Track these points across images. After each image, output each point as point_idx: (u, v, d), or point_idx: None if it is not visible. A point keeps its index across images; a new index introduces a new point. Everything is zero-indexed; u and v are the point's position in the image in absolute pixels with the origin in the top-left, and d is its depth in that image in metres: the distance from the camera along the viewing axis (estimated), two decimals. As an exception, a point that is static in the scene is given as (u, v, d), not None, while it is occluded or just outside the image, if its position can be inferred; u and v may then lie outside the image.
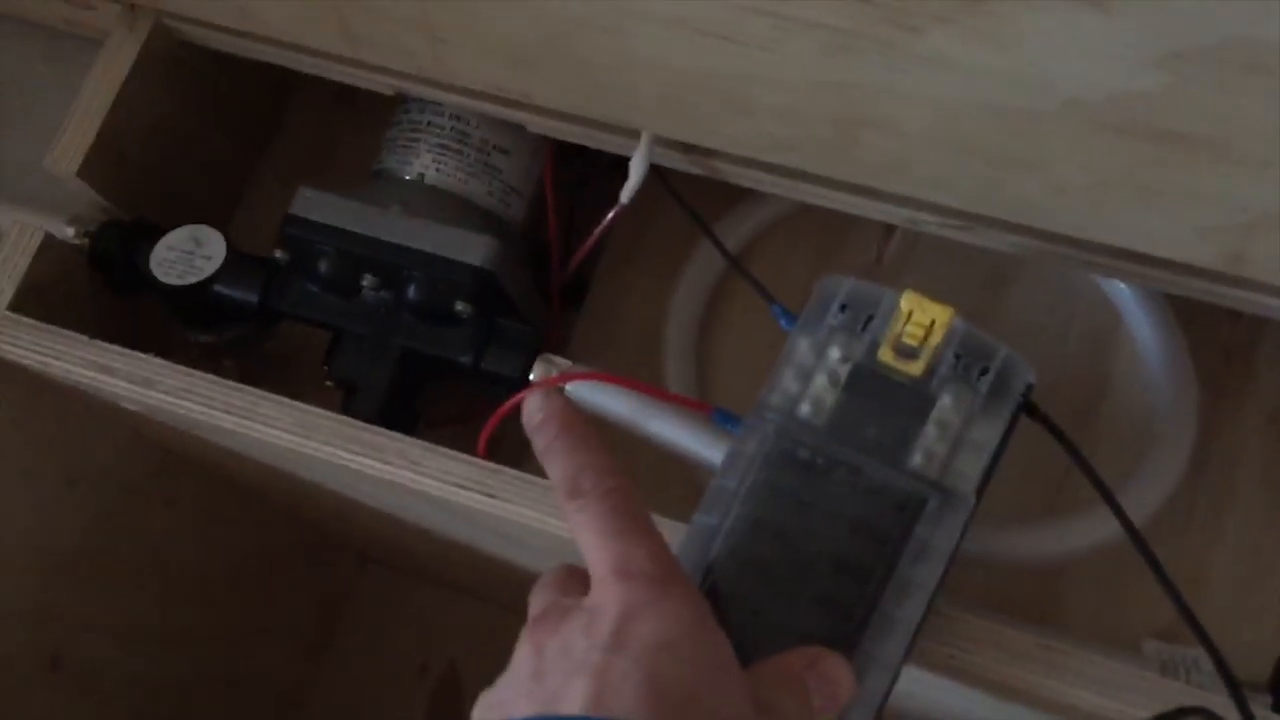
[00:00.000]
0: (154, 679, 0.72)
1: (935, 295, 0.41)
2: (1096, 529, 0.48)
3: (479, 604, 0.89)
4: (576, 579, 0.39)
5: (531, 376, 0.49)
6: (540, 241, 0.55)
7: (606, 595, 0.35)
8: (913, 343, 0.41)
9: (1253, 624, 0.52)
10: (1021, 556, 0.49)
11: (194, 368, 0.48)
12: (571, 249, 0.54)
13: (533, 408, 0.41)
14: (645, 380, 0.47)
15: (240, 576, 0.78)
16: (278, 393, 0.48)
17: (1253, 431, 0.54)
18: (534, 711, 0.33)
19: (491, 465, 0.45)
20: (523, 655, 0.36)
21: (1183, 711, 0.37)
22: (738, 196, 0.56)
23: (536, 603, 0.38)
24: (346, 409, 0.50)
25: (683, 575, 0.36)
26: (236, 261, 0.52)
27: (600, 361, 0.55)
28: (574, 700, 0.33)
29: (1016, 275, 0.57)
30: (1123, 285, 0.53)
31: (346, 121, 0.63)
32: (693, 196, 0.53)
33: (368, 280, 0.49)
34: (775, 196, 0.49)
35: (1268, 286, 0.43)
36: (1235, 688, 0.37)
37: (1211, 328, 0.55)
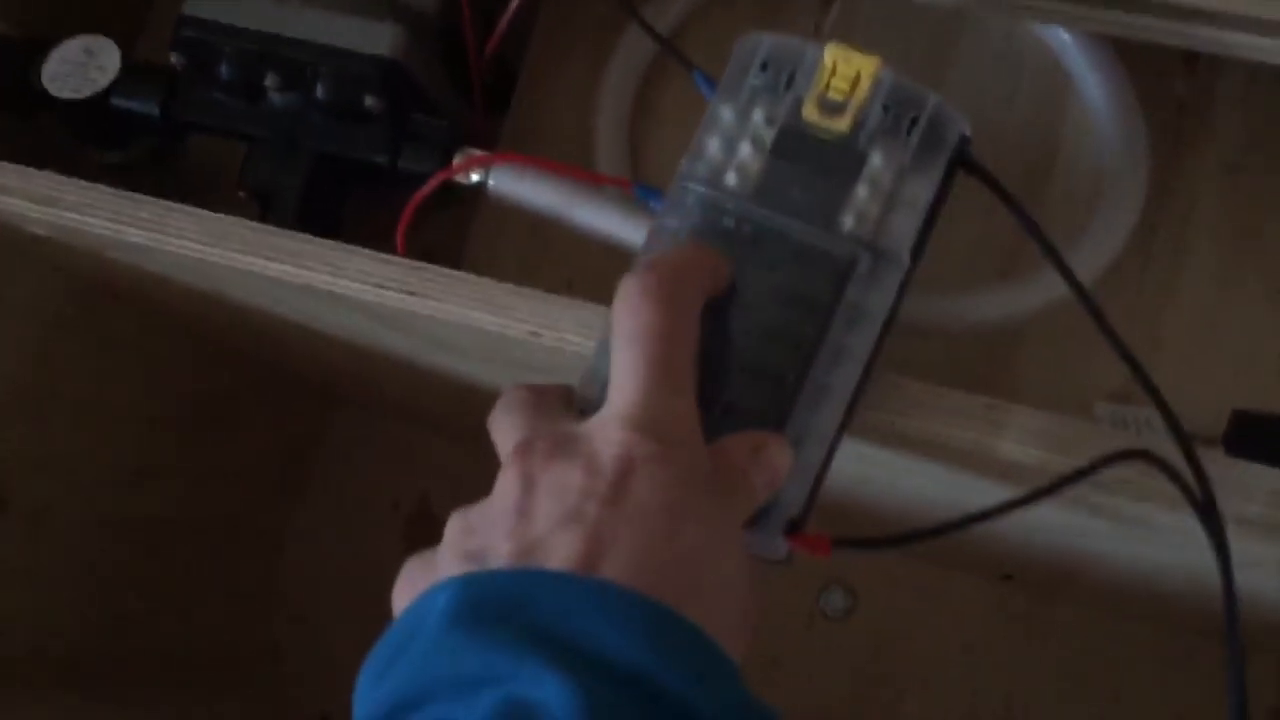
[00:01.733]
0: (114, 520, 0.72)
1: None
2: (1045, 290, 0.47)
3: (447, 439, 0.88)
4: (551, 400, 0.36)
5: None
6: (459, 32, 0.52)
7: (613, 438, 0.33)
8: (838, 97, 0.38)
9: (1208, 379, 0.51)
10: (971, 322, 0.48)
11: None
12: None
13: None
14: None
15: (197, 418, 0.77)
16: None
17: (1209, 183, 0.52)
18: (515, 557, 0.31)
19: (412, 262, 0.43)
20: (509, 483, 0.33)
21: (1123, 455, 0.36)
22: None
23: (514, 426, 0.35)
24: (264, 219, 0.48)
25: (698, 436, 0.34)
26: (133, 71, 0.49)
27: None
28: (561, 553, 0.30)
29: (961, 40, 0.54)
30: (1068, 37, 0.51)
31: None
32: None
33: (270, 80, 0.47)
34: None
35: (1201, 12, 0.41)
36: (1180, 432, 0.36)
37: (1165, 79, 0.53)
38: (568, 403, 0.38)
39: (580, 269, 0.55)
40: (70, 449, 0.65)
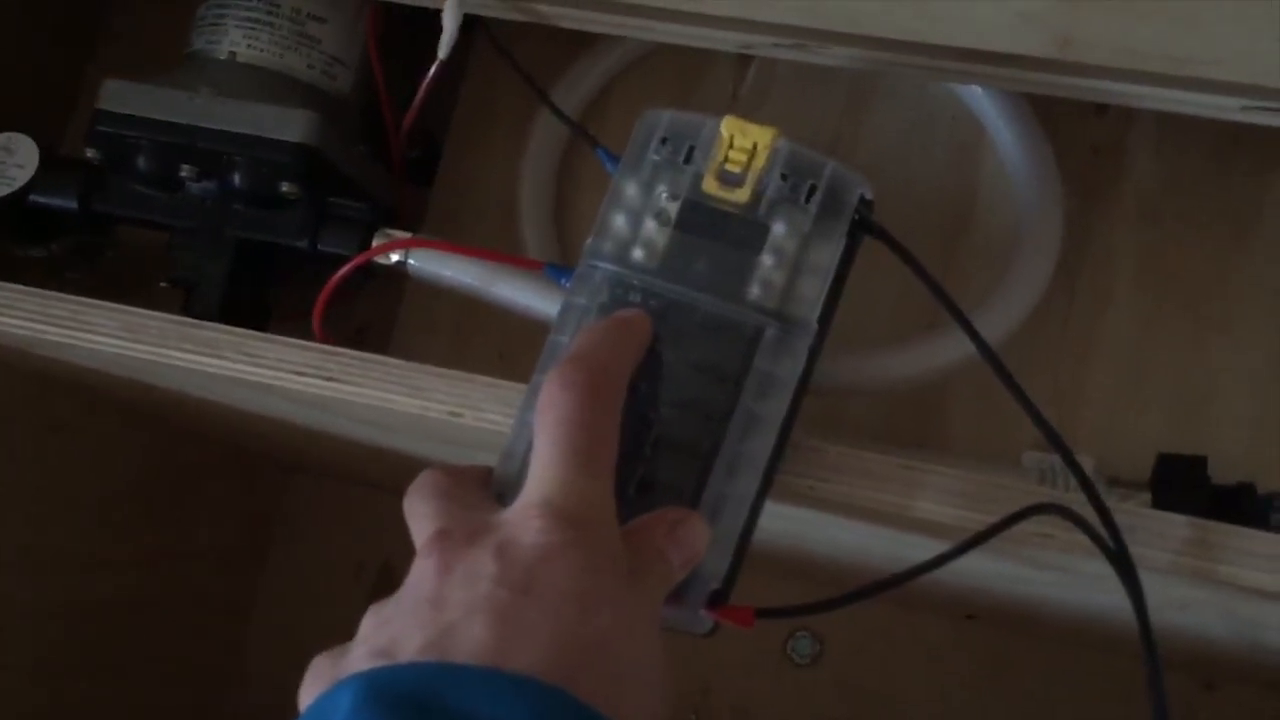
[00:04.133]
0: (74, 607, 0.71)
1: (796, 126, 0.39)
2: (964, 344, 0.47)
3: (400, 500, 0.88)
4: (467, 485, 0.36)
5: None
6: (378, 113, 0.53)
7: (527, 525, 0.33)
8: (736, 169, 0.39)
9: (1135, 425, 0.51)
10: (899, 378, 0.48)
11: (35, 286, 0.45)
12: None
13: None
14: (505, 248, 0.46)
15: (153, 498, 0.77)
16: (127, 303, 0.45)
17: (1126, 229, 0.53)
18: (424, 648, 0.30)
19: (329, 348, 0.44)
20: (424, 574, 0.33)
21: (1034, 509, 0.37)
22: (589, 43, 0.54)
23: (429, 514, 0.35)
24: (188, 310, 0.48)
25: (613, 520, 0.34)
26: (52, 167, 0.49)
27: (457, 234, 0.53)
28: (470, 642, 0.30)
29: (875, 98, 0.55)
30: (980, 91, 0.51)
31: (169, 9, 0.60)
32: (539, 49, 0.50)
33: (187, 171, 0.47)
34: (616, 45, 0.47)
35: (1108, 70, 0.41)
36: (1086, 483, 0.37)
37: (1079, 127, 0.53)
38: (485, 485, 0.38)
39: (512, 340, 0.55)
40: (19, 536, 0.65)
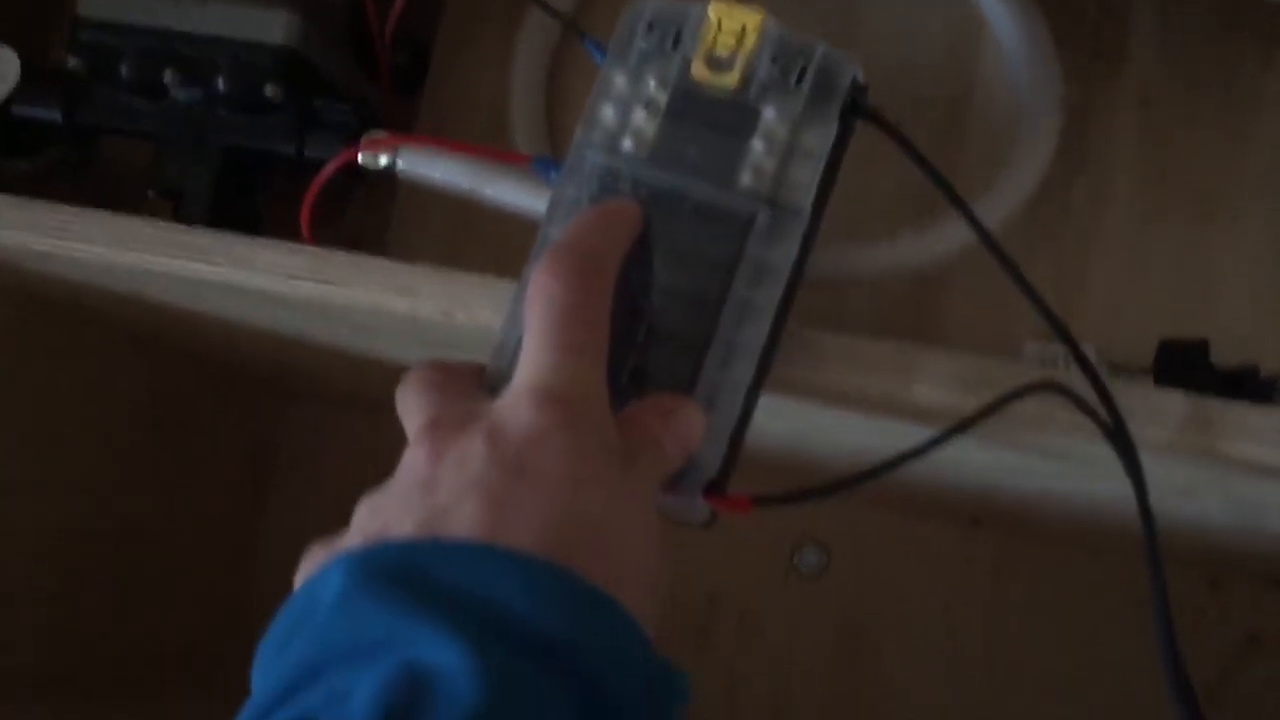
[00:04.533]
0: (75, 534, 0.71)
1: (791, 19, 0.38)
2: (964, 232, 0.46)
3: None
4: (460, 379, 0.36)
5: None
6: (365, 14, 0.52)
7: (518, 409, 0.32)
8: (725, 53, 0.38)
9: (1136, 312, 0.51)
10: (897, 268, 0.48)
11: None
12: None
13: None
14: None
15: (151, 422, 0.77)
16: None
17: (1127, 118, 0.52)
18: (415, 529, 0.30)
19: (320, 250, 0.43)
20: (415, 460, 0.33)
21: (1029, 388, 0.36)
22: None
23: (421, 407, 0.35)
24: (177, 218, 0.48)
25: (605, 404, 0.34)
26: (33, 78, 0.49)
27: (449, 139, 0.52)
28: (464, 522, 0.30)
29: (871, -13, 0.54)
30: (976, -23, 0.50)
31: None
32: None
33: (170, 77, 0.46)
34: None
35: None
36: (1084, 362, 0.36)
37: (1079, 16, 0.52)
38: (476, 379, 0.37)
39: (506, 245, 0.54)
40: (20, 463, 0.65)
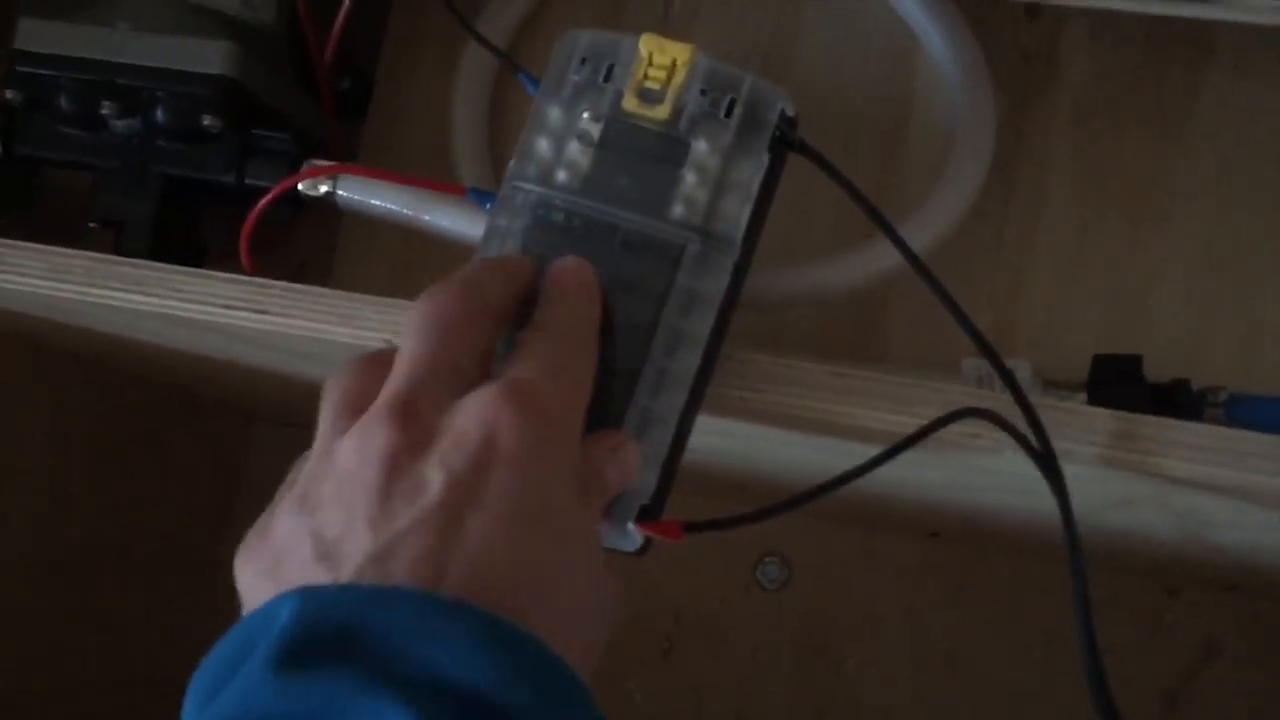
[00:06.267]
0: (36, 559, 0.71)
1: (728, 43, 0.39)
2: (893, 252, 0.47)
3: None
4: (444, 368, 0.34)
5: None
6: (304, 42, 0.52)
7: (496, 410, 0.31)
8: (655, 86, 0.39)
9: (1072, 328, 0.52)
10: (831, 289, 0.48)
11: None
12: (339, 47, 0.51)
13: None
14: (440, 179, 0.45)
15: (112, 447, 0.76)
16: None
17: (1060, 132, 0.53)
18: (366, 561, 0.29)
19: (259, 280, 0.43)
20: (368, 464, 0.31)
21: (960, 413, 0.37)
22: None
23: (399, 379, 0.33)
24: (118, 251, 0.48)
25: (579, 425, 0.34)
26: (-30, 111, 0.49)
27: (392, 167, 0.52)
28: (409, 563, 0.29)
29: (806, 11, 0.54)
30: (909, -1, 0.51)
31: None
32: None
33: (108, 108, 0.46)
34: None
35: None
36: (1012, 383, 0.37)
37: (1011, 32, 0.53)
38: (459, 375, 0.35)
39: (452, 271, 0.55)
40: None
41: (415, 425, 0.31)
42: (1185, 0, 0.44)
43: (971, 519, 0.71)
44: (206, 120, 0.46)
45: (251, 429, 0.93)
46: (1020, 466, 0.42)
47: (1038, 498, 0.51)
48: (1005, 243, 0.52)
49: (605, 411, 0.37)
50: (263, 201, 0.42)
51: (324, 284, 0.44)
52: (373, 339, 0.42)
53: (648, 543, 0.38)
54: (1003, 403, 0.38)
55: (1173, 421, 0.38)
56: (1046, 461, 0.36)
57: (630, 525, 0.37)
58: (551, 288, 0.36)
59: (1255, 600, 0.76)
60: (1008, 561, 0.83)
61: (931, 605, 0.83)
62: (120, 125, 0.47)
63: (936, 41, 0.50)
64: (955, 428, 0.38)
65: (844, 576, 0.85)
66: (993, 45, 0.52)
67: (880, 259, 0.47)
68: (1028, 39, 0.53)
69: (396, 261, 0.56)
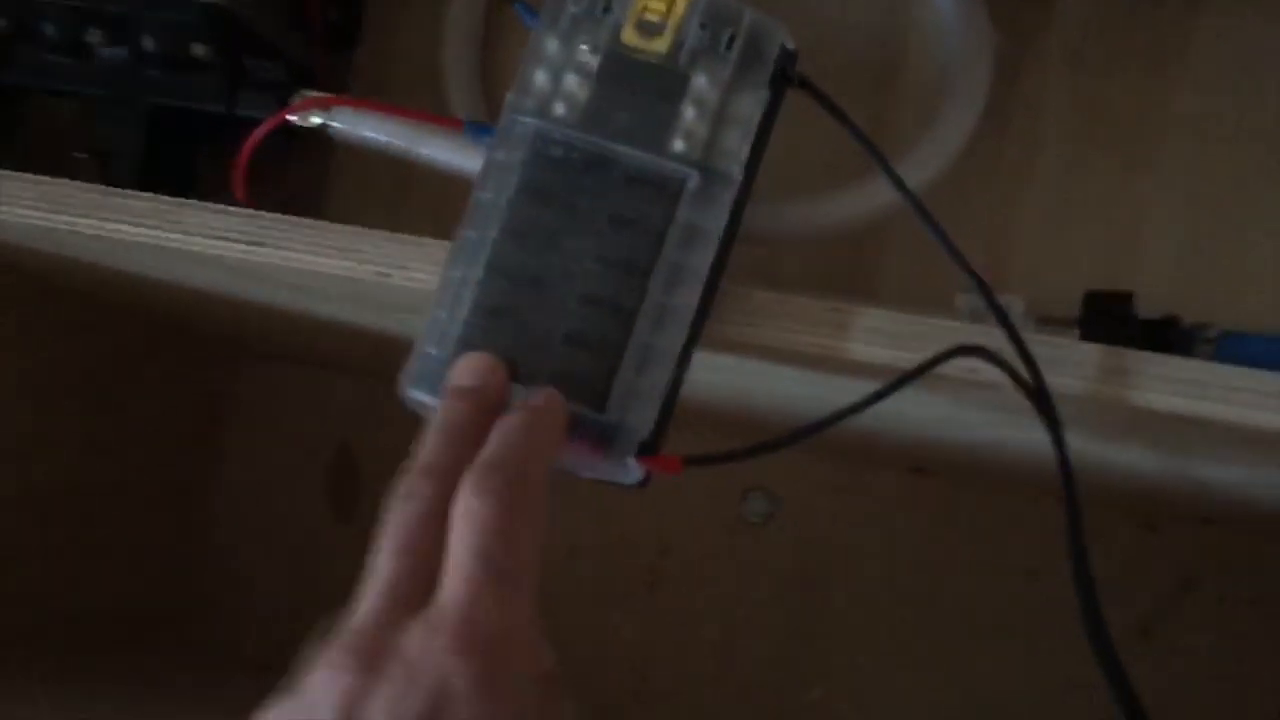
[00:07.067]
0: (29, 494, 0.71)
1: None
2: (893, 190, 0.47)
3: (354, 379, 0.88)
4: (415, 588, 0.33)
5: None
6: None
7: (436, 654, 0.31)
8: (655, 18, 0.38)
9: (1065, 265, 0.52)
10: (827, 226, 0.48)
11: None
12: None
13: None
14: (430, 109, 0.45)
15: (97, 381, 0.76)
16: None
17: (1054, 72, 0.53)
18: None
19: (253, 212, 0.43)
20: (327, 698, 0.31)
21: (957, 351, 0.37)
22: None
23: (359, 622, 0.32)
24: (106, 179, 0.47)
25: (531, 628, 0.32)
26: (-46, 38, 0.48)
27: (382, 99, 0.52)
28: None
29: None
30: (907, -67, 0.50)
31: None
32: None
33: (95, 35, 0.46)
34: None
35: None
36: (1005, 320, 0.37)
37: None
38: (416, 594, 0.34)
39: (447, 202, 0.54)
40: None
41: (371, 664, 0.31)
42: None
43: (957, 454, 0.71)
44: (197, 49, 0.45)
45: (241, 362, 0.92)
46: (1013, 401, 0.42)
47: (1028, 433, 0.52)
48: (998, 181, 0.52)
49: (604, 344, 0.38)
50: (258, 132, 0.41)
51: (315, 216, 0.44)
52: (367, 272, 0.42)
53: (647, 476, 0.38)
54: (996, 338, 0.39)
55: (1164, 357, 0.38)
56: (1040, 398, 0.37)
57: (630, 460, 0.37)
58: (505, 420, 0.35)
59: (1232, 534, 0.77)
60: (990, 496, 0.83)
61: (914, 539, 0.84)
62: (108, 53, 0.47)
63: (934, -24, 0.50)
64: (952, 363, 0.39)
65: (829, 511, 0.85)
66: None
67: (876, 196, 0.47)
68: (1025, -26, 0.53)
69: (390, 193, 0.55)
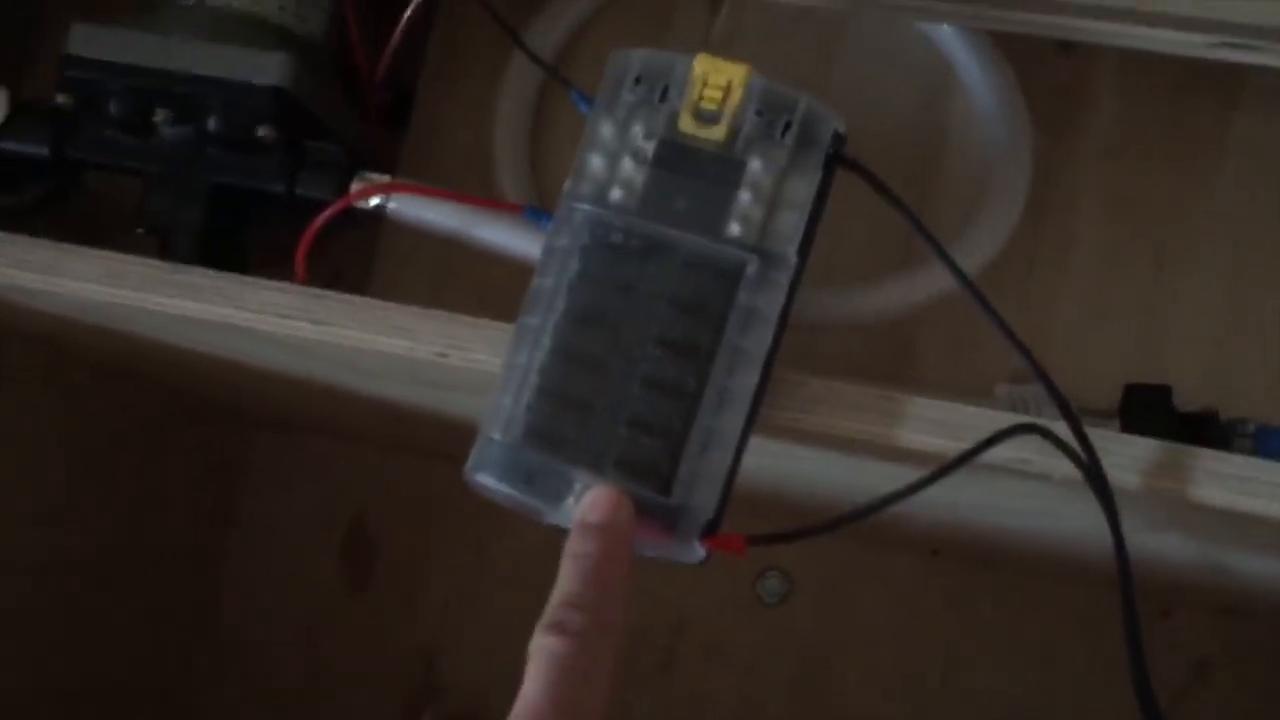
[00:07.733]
0: (41, 560, 0.71)
1: (766, 68, 0.40)
2: (941, 276, 0.48)
3: (376, 451, 0.88)
4: None
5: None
6: (352, 55, 0.52)
7: None
8: (712, 106, 0.39)
9: (1102, 357, 0.53)
10: (873, 313, 0.49)
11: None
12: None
13: (593, 503, 0.37)
14: (479, 192, 0.46)
15: (119, 451, 0.76)
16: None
17: (1091, 166, 0.54)
18: None
19: (315, 291, 0.44)
20: None
21: (1012, 430, 0.38)
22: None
23: None
24: (164, 254, 0.48)
25: None
26: (21, 113, 0.49)
27: (431, 179, 0.53)
28: None
29: (844, 38, 0.55)
30: (949, 30, 0.52)
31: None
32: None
33: (160, 115, 0.47)
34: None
35: (1073, 6, 0.42)
36: (1063, 402, 0.38)
37: (1044, 67, 0.54)
38: None
39: (490, 283, 0.55)
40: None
41: None
42: (1219, 45, 0.45)
43: (976, 537, 0.72)
44: (260, 130, 0.46)
45: (255, 432, 0.93)
46: (1059, 488, 0.43)
47: (1059, 519, 0.53)
48: (1033, 275, 0.53)
49: (668, 428, 0.38)
50: (323, 216, 0.42)
51: (359, 291, 0.45)
52: (427, 352, 0.43)
53: (708, 555, 0.39)
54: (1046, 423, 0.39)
55: (1213, 452, 0.39)
56: (1098, 480, 0.37)
57: (694, 541, 0.38)
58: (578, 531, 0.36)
59: (1250, 623, 0.77)
60: (1007, 579, 0.84)
61: (930, 621, 0.84)
62: (171, 132, 0.48)
63: (974, 74, 0.51)
64: (1001, 450, 0.39)
65: (844, 592, 0.86)
66: (1024, 79, 0.53)
67: (922, 286, 0.48)
68: (1059, 74, 0.54)
69: (433, 270, 0.56)
